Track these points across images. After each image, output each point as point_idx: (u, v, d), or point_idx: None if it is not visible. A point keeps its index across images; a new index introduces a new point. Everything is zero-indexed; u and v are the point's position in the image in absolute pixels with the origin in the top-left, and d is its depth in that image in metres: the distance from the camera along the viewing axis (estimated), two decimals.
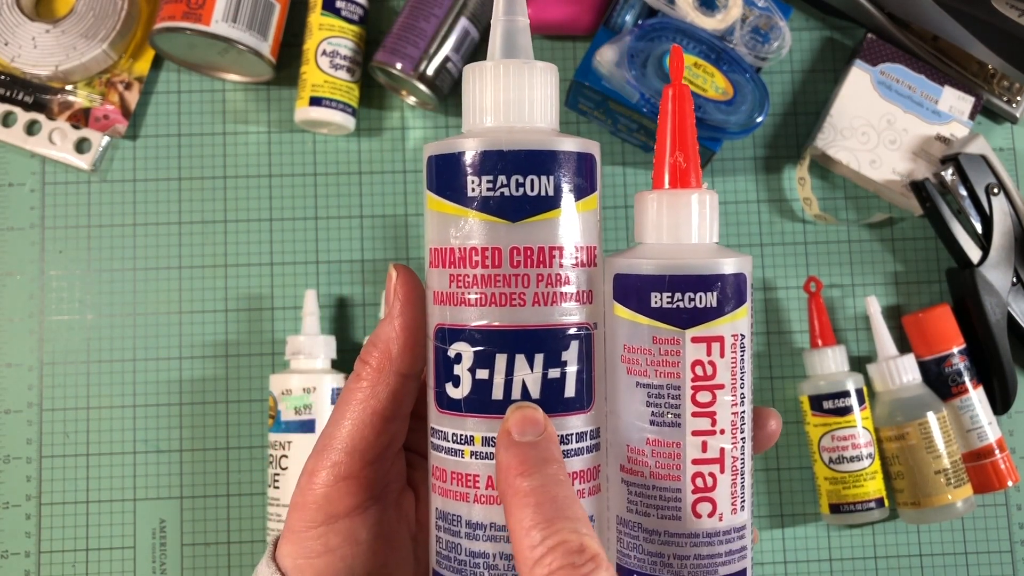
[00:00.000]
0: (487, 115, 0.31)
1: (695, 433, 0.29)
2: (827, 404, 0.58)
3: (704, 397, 0.29)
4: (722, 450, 0.30)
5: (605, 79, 0.57)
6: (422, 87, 0.60)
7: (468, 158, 0.30)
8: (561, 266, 0.30)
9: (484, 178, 0.29)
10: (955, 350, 0.60)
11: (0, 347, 0.61)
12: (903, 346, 0.62)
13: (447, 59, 0.60)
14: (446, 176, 0.30)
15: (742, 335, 0.30)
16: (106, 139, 0.62)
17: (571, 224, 0.30)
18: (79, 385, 0.60)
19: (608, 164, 0.63)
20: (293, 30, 0.63)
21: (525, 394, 0.29)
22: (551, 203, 0.30)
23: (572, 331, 0.30)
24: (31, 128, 0.62)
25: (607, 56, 0.56)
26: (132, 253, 0.62)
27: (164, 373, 0.61)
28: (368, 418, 0.32)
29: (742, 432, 0.30)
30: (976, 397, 0.59)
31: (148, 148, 0.63)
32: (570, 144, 0.30)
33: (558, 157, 0.30)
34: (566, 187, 0.30)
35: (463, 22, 0.60)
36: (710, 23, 0.57)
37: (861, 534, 0.61)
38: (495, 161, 0.29)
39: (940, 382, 0.60)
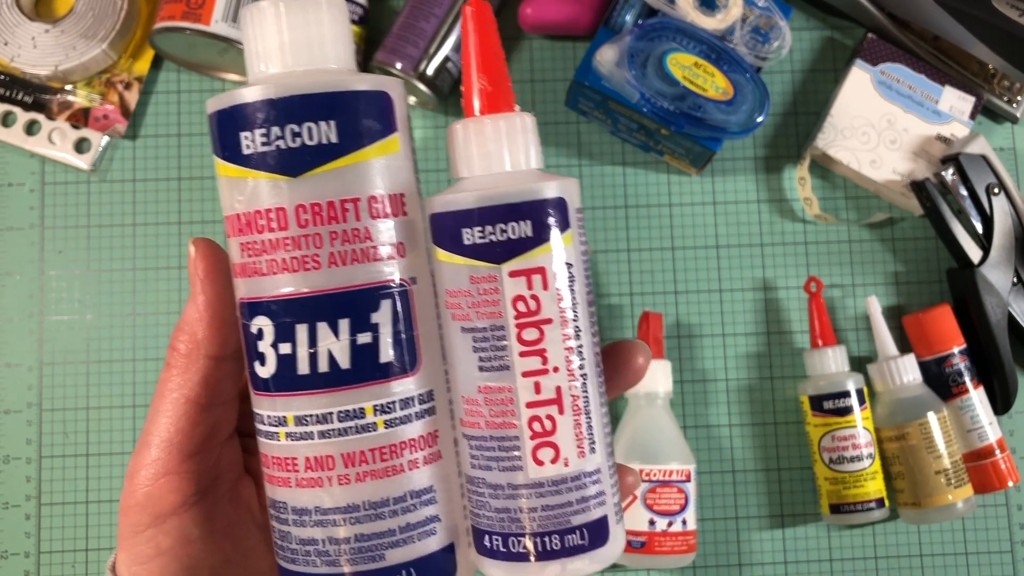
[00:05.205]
0: (267, 61, 0.27)
1: (525, 374, 0.27)
2: (827, 404, 0.58)
3: (531, 335, 0.27)
4: (558, 389, 0.27)
5: (605, 79, 0.57)
6: (422, 87, 0.60)
7: (240, 112, 0.26)
8: (358, 219, 0.26)
9: (258, 132, 0.26)
10: (955, 350, 0.60)
11: (0, 347, 0.61)
12: (903, 346, 0.62)
13: (447, 59, 0.60)
14: (225, 136, 0.27)
15: (568, 264, 0.28)
16: (106, 139, 0.62)
17: (365, 172, 0.27)
18: (79, 385, 0.60)
19: (608, 164, 0.63)
20: None
21: (333, 365, 0.27)
22: (336, 151, 0.26)
23: (381, 289, 0.27)
24: (31, 128, 0.62)
25: (607, 56, 0.56)
26: (132, 253, 0.62)
27: None
28: (182, 408, 0.30)
29: (582, 369, 0.28)
30: (976, 397, 0.59)
31: (148, 148, 0.63)
32: (356, 83, 0.27)
33: (338, 99, 0.26)
34: (353, 131, 0.26)
35: None
36: (710, 23, 0.57)
37: (861, 534, 0.61)
38: (267, 111, 0.26)
39: (940, 382, 0.60)
